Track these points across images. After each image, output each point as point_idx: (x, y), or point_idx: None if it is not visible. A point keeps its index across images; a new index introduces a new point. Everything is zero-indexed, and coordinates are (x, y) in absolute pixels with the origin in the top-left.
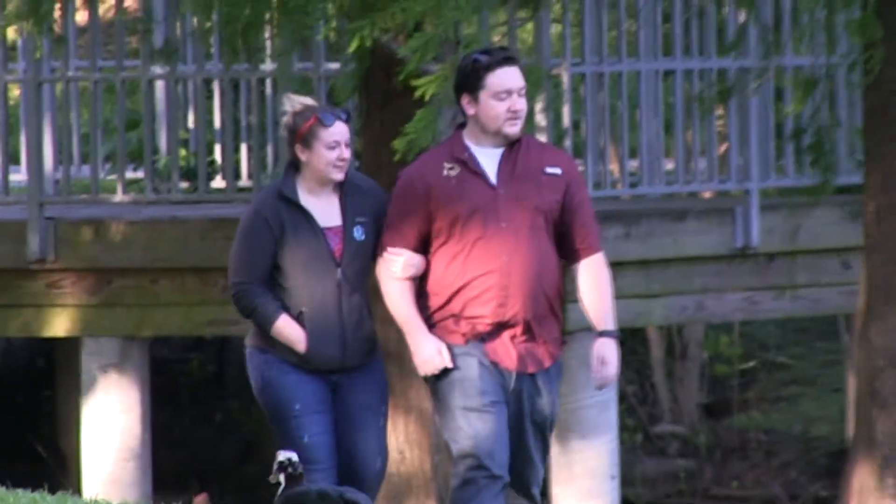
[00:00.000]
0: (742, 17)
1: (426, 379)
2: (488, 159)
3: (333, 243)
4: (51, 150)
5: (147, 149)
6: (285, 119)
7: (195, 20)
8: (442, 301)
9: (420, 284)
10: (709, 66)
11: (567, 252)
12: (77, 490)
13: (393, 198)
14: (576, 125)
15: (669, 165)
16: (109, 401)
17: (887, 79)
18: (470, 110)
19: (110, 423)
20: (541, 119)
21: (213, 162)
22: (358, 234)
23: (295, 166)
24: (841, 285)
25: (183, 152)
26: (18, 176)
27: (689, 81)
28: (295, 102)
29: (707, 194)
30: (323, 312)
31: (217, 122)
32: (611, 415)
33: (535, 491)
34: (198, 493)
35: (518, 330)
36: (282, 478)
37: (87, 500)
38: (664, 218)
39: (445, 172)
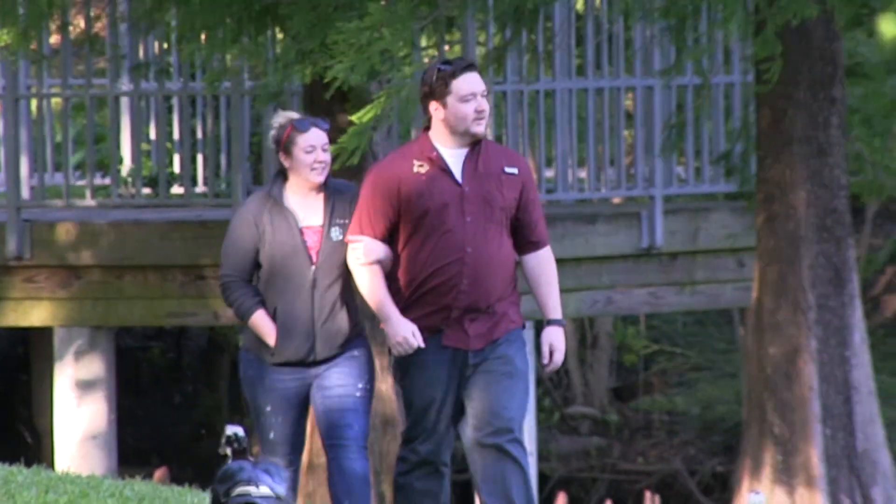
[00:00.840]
0: (643, 40)
1: (394, 361)
2: (453, 159)
3: (311, 241)
4: (27, 160)
5: (113, 158)
6: (271, 132)
7: (156, 44)
8: (412, 288)
9: (391, 272)
10: (616, 85)
11: (519, 244)
12: (51, 464)
13: (362, 190)
14: (498, 138)
15: (582, 174)
16: (79, 384)
17: (778, 97)
18: (438, 114)
19: (80, 404)
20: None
21: (172, 170)
22: (335, 234)
23: (283, 174)
24: (736, 282)
25: (146, 161)
26: None
27: (600, 98)
28: (280, 117)
29: (616, 200)
30: (294, 307)
31: (176, 135)
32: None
33: (511, 446)
34: (158, 468)
35: (479, 313)
36: (229, 451)
37: (58, 474)
38: (577, 221)
39: (415, 169)
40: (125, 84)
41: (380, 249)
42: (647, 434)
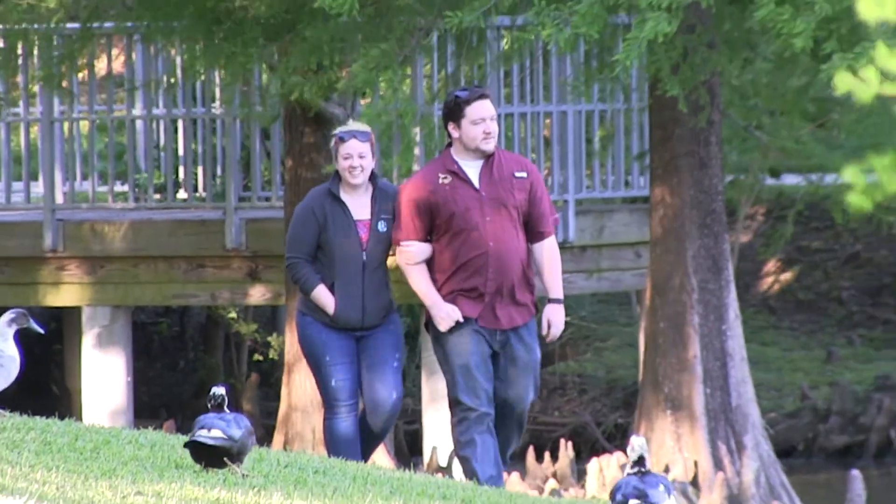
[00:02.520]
0: (558, 75)
1: (436, 338)
2: (472, 169)
3: (362, 232)
4: (60, 170)
5: (130, 169)
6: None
7: (164, 77)
8: (445, 277)
9: (429, 266)
10: (538, 111)
11: (529, 233)
12: (79, 418)
13: (401, 201)
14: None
15: None
16: (102, 352)
17: (667, 120)
18: (455, 134)
19: (103, 368)
20: (417, 151)
21: (177, 179)
22: (381, 226)
23: (338, 174)
24: (634, 269)
25: (156, 172)
26: (37, 189)
27: (524, 121)
28: (336, 130)
29: None
30: (349, 284)
31: (181, 150)
32: None
33: (522, 425)
34: (167, 420)
35: (502, 296)
36: (209, 406)
37: (86, 425)
38: None
39: (441, 180)
40: (140, 110)
41: (425, 251)
42: (562, 393)
